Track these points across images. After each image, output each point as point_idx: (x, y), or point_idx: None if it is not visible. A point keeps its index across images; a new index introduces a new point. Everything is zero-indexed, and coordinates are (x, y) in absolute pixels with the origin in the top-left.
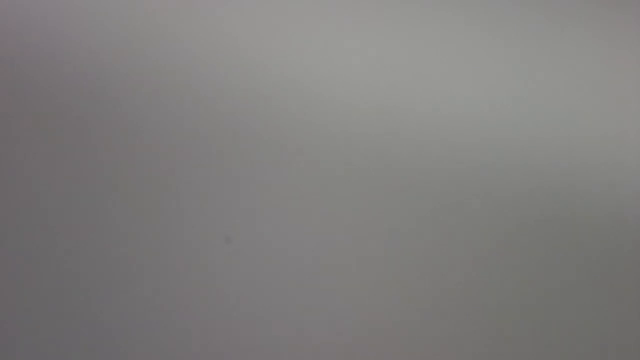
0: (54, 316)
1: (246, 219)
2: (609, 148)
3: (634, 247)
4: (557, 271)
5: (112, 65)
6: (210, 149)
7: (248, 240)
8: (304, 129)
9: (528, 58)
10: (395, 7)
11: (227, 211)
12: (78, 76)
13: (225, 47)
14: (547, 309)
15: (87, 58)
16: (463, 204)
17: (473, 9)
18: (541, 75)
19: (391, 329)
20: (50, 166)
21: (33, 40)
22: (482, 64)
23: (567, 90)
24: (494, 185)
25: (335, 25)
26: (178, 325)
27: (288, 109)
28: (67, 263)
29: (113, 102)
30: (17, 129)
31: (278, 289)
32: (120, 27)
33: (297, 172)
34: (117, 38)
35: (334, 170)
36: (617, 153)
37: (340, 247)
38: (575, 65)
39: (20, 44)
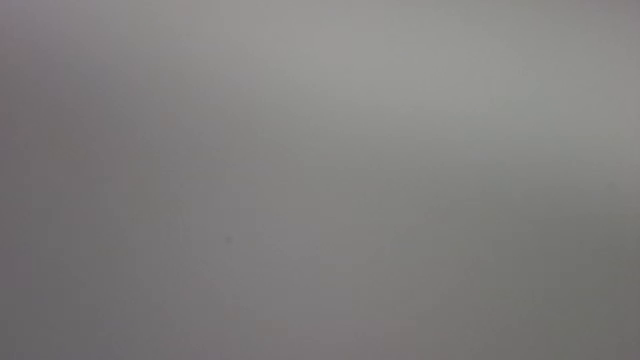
0: (53, 316)
1: (246, 219)
2: (609, 148)
3: (634, 247)
4: (557, 271)
5: (112, 65)
6: (210, 149)
7: (248, 240)
8: (304, 129)
9: (529, 58)
10: (398, 7)
11: (227, 211)
12: (78, 76)
13: (225, 47)
14: (547, 309)
15: (87, 58)
16: (462, 204)
17: (474, 9)
18: (542, 76)
19: (391, 329)
20: (50, 166)
21: (33, 40)
22: (483, 64)
23: (567, 90)
24: (494, 185)
25: (337, 25)
26: (178, 325)
27: (288, 109)
28: (66, 263)
29: (113, 102)
30: (17, 129)
31: (278, 289)
32: (120, 27)
33: (298, 172)
34: (117, 38)
35: (335, 170)
36: (617, 153)
37: (340, 247)
38: (575, 66)
39: (20, 43)
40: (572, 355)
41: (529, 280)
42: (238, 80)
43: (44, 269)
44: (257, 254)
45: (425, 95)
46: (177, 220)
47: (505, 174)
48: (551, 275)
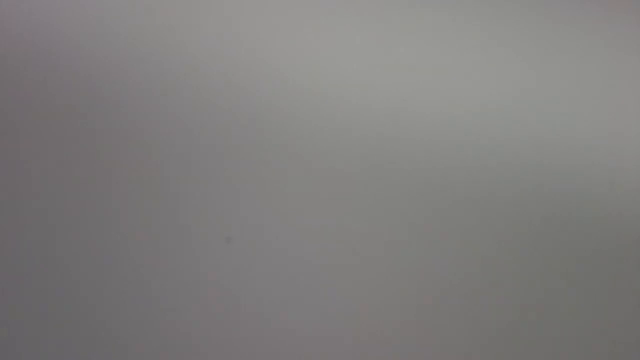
0: (53, 316)
1: (246, 219)
2: (609, 148)
3: (634, 247)
4: (557, 271)
5: (112, 65)
6: (210, 149)
7: (248, 240)
8: (305, 129)
9: (529, 58)
10: (398, 8)
11: (227, 211)
12: (78, 76)
13: (226, 47)
14: (548, 309)
15: (87, 58)
16: (462, 203)
17: (472, 10)
18: (542, 76)
19: (392, 329)
20: (50, 166)
21: (33, 40)
22: (484, 65)
23: (567, 90)
24: (494, 185)
25: (339, 24)
26: (178, 325)
27: (288, 109)
28: (66, 264)
29: (113, 102)
30: (17, 129)
31: (278, 289)
32: (120, 27)
33: (298, 171)
34: (118, 38)
35: (335, 170)
36: (617, 153)
37: (341, 247)
38: (575, 65)
39: (20, 44)
40: (572, 355)
41: (529, 280)
42: (238, 80)
43: (44, 269)
44: (257, 254)
45: (427, 97)
46: (177, 220)
47: (505, 174)
48: (551, 275)
